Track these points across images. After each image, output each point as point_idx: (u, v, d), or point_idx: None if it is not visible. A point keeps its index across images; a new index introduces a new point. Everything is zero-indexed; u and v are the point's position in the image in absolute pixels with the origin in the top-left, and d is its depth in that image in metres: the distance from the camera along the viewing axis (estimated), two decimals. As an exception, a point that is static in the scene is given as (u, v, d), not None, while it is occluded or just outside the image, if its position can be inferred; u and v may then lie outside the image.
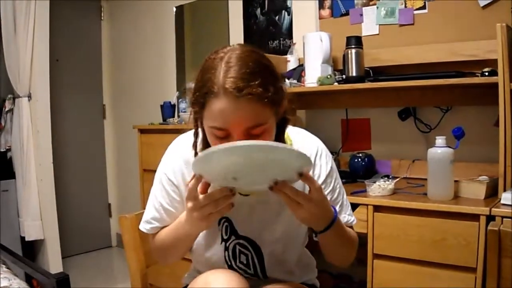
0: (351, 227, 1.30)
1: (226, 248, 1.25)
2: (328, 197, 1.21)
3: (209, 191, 1.04)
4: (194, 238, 1.24)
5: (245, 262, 1.25)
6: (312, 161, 1.21)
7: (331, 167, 1.25)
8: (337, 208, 1.24)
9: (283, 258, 1.28)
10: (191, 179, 1.02)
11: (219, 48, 1.06)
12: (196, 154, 1.13)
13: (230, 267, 1.26)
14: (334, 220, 1.11)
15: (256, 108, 0.99)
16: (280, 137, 1.13)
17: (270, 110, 1.02)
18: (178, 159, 1.22)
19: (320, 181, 1.21)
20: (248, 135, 1.01)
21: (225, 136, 1.02)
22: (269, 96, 0.99)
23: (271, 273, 1.27)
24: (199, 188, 1.02)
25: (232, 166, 0.96)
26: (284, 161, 0.96)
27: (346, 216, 1.28)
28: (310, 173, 1.19)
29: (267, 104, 1.00)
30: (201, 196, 1.02)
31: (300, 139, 1.22)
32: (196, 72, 1.06)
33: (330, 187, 1.24)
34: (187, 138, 1.24)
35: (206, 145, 1.11)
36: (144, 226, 1.29)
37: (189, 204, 1.04)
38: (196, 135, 1.14)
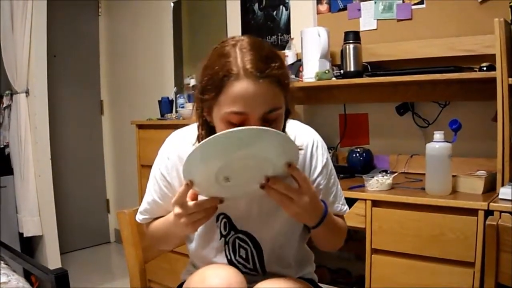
0: (342, 216, 1.33)
1: (226, 243, 1.25)
2: (323, 187, 1.24)
3: (199, 197, 1.06)
4: (183, 236, 1.29)
5: (244, 256, 1.26)
6: (309, 152, 1.23)
7: (327, 158, 1.26)
8: (331, 198, 1.27)
9: (282, 252, 1.28)
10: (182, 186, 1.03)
11: (226, 39, 1.06)
12: None
13: (230, 261, 1.26)
14: (325, 215, 1.12)
15: (275, 90, 1.00)
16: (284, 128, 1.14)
17: (284, 96, 1.04)
18: (173, 154, 1.22)
19: (316, 172, 1.23)
20: (265, 120, 1.01)
21: (241, 122, 1.00)
22: (286, 80, 1.02)
23: (270, 267, 1.27)
24: (188, 195, 1.04)
25: (222, 158, 0.95)
26: (271, 149, 0.95)
27: (339, 206, 1.30)
28: (307, 164, 1.22)
29: (284, 88, 1.02)
30: (190, 203, 1.04)
31: (296, 130, 1.22)
32: (203, 62, 1.05)
33: (326, 178, 1.25)
34: (183, 133, 1.25)
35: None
36: (138, 217, 1.33)
37: (177, 210, 1.05)
38: (201, 127, 1.13)
